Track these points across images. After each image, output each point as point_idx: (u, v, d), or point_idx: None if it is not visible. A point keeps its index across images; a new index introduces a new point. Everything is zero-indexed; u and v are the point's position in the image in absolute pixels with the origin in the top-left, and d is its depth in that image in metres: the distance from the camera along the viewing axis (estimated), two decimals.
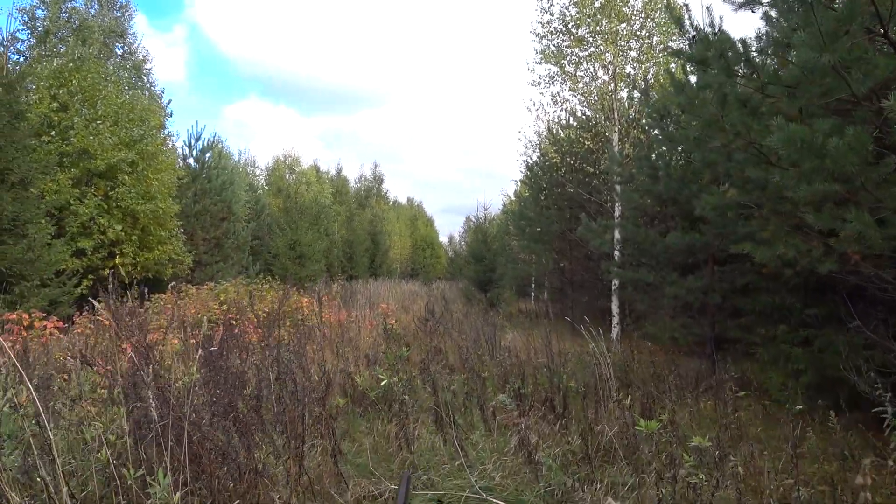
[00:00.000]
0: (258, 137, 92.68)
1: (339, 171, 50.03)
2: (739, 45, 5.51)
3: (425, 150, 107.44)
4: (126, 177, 15.54)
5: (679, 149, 8.72)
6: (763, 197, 5.65)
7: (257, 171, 40.52)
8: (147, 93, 21.30)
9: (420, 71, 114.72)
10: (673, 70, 9.13)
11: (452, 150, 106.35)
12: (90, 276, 14.66)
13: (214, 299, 12.00)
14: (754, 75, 5.24)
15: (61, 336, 8.10)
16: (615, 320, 12.02)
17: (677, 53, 6.02)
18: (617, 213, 11.05)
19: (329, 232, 35.78)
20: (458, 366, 9.10)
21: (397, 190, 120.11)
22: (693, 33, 5.89)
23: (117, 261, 15.66)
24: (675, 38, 12.20)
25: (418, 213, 64.86)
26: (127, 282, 16.60)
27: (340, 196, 47.41)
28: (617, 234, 10.11)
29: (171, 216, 17.36)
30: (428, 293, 27.35)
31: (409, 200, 67.59)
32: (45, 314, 8.67)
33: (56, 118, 15.09)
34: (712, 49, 5.40)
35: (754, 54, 5.49)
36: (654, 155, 8.82)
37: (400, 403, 4.28)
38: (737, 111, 5.24)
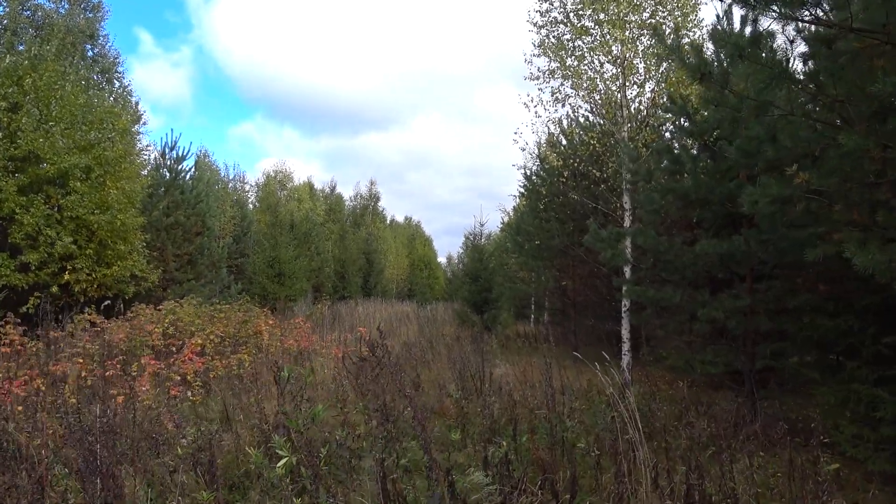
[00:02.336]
0: (263, 158, 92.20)
1: (333, 188, 48.59)
2: None
3: (429, 171, 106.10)
4: (79, 184, 13.95)
5: (710, 138, 7.14)
6: (848, 185, 4.03)
7: (247, 187, 38.89)
8: (113, 98, 19.78)
9: (426, 92, 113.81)
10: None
11: (457, 171, 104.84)
12: (37, 294, 13.08)
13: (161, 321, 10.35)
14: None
15: None
16: (625, 347, 10.36)
17: None
18: (627, 222, 9.41)
19: (320, 250, 34.34)
20: (437, 407, 7.45)
21: (399, 210, 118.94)
22: None
23: (68, 277, 14.04)
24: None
25: (416, 233, 63.45)
26: (82, 300, 15.08)
27: (334, 214, 45.96)
28: (630, 245, 8.48)
29: (135, 229, 15.77)
30: (419, 315, 25.70)
31: (407, 219, 66.16)
32: None
33: (5, 119, 13.61)
34: None
35: None
36: (675, 148, 7.24)
37: None
38: (818, 59, 3.66)
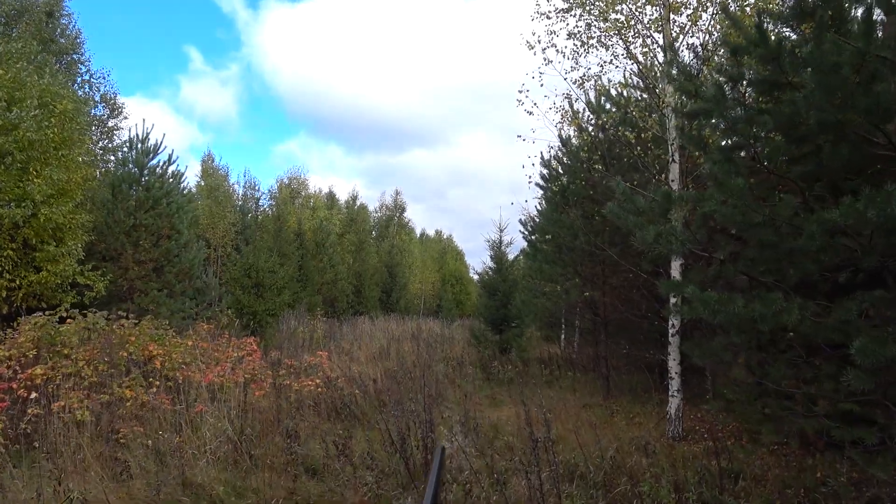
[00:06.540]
0: (306, 175, 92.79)
1: (354, 198, 45.73)
2: None
3: (471, 188, 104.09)
4: None
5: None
6: None
7: (257, 194, 36.25)
8: (78, 84, 17.25)
9: (469, 108, 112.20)
10: None
11: (498, 188, 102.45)
12: None
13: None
14: None
15: None
16: (674, 385, 7.14)
17: None
18: (676, 185, 6.18)
19: (334, 262, 31.65)
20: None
21: (436, 225, 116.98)
22: None
23: None
24: None
25: (448, 247, 60.55)
26: (3, 311, 12.45)
27: (356, 225, 43.10)
28: (681, 224, 5.27)
29: (73, 228, 13.12)
30: (433, 334, 22.51)
31: (438, 233, 63.28)
32: None
33: None
34: None
35: None
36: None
37: None
38: None
